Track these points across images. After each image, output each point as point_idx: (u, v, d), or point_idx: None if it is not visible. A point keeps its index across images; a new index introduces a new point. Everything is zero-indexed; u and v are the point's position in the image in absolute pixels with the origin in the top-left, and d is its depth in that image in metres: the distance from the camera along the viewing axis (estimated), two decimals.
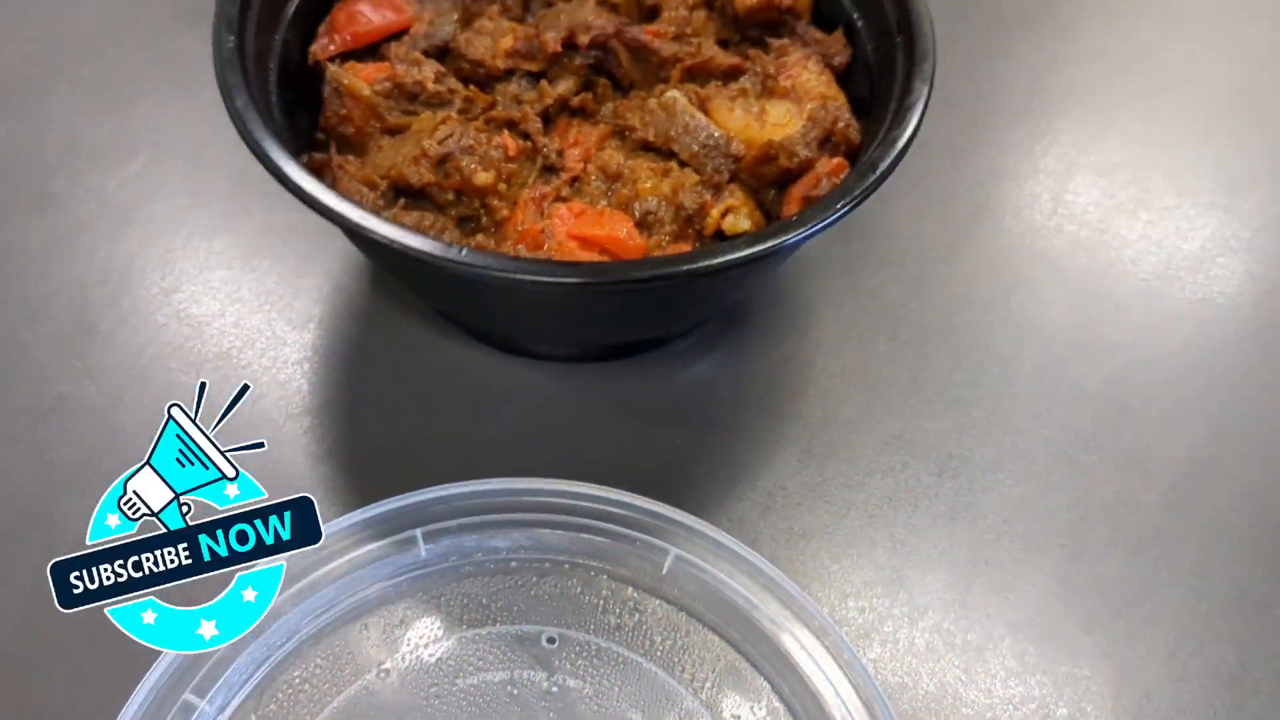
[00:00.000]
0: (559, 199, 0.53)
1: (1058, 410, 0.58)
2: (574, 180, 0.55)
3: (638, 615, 0.50)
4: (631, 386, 0.58)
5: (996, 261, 0.63)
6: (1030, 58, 0.74)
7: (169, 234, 0.61)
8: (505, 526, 0.51)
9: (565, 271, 0.44)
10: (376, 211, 0.50)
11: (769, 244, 0.45)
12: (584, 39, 0.55)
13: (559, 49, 0.55)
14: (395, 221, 0.49)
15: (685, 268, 0.44)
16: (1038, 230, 0.65)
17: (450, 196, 0.51)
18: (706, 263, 0.44)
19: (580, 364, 0.59)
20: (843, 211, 0.46)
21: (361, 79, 0.54)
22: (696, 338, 0.59)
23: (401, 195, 0.52)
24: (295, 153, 0.51)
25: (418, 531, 0.50)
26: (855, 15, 0.57)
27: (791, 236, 0.45)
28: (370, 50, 0.57)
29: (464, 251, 0.43)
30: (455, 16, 0.58)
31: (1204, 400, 0.58)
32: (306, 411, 0.55)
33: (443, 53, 0.57)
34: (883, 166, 0.48)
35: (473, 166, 0.51)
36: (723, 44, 0.59)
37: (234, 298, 0.59)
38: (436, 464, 0.54)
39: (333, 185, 0.51)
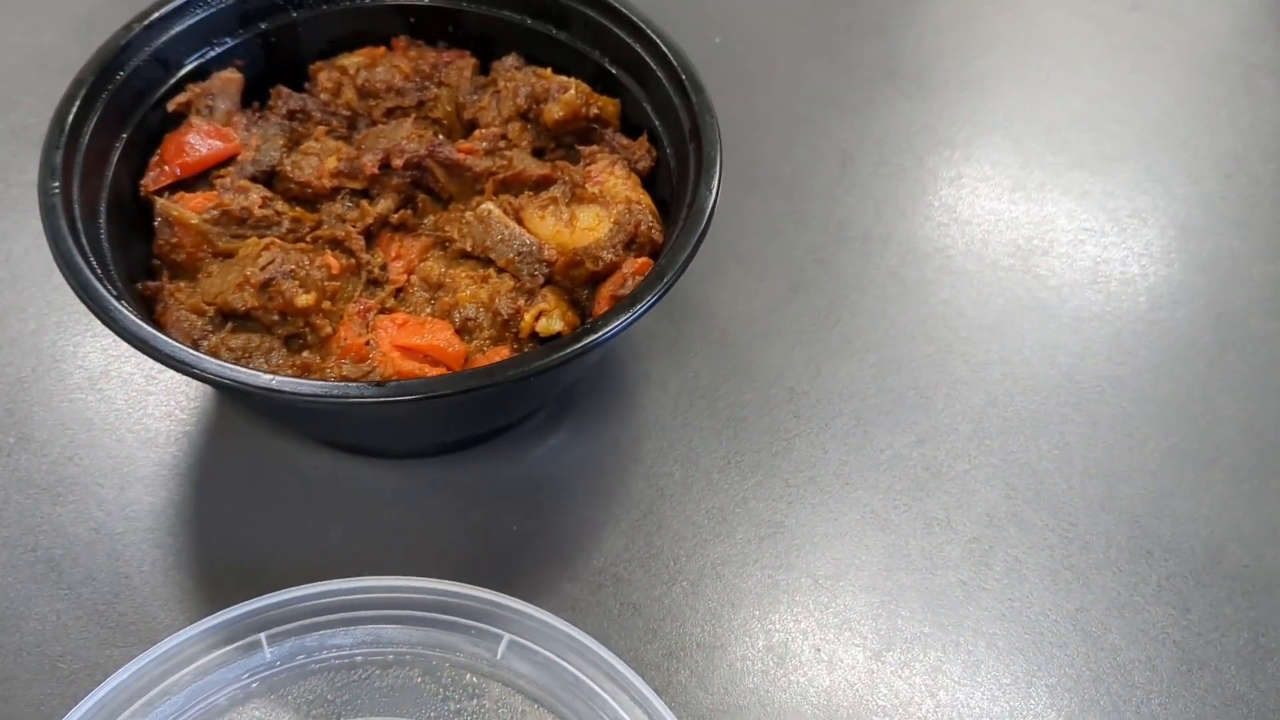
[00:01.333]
0: (384, 310, 0.57)
1: (868, 474, 0.62)
2: (398, 291, 0.58)
3: (477, 700, 0.53)
4: (471, 477, 0.61)
5: (809, 337, 0.68)
6: (855, 132, 0.79)
7: (17, 362, 0.64)
8: (347, 624, 0.54)
9: (374, 392, 0.47)
10: (204, 339, 0.54)
11: (570, 350, 0.49)
12: (398, 161, 0.59)
13: (376, 171, 0.59)
14: (224, 348, 0.53)
15: (494, 379, 0.48)
16: (844, 304, 0.69)
17: (275, 318, 0.55)
18: (514, 371, 0.48)
19: (420, 459, 0.62)
20: (641, 312, 0.50)
21: (190, 208, 0.58)
22: (533, 425, 0.63)
23: (229, 319, 0.55)
24: (129, 282, 0.54)
25: (262, 635, 0.53)
26: (656, 122, 0.62)
27: (594, 339, 0.49)
28: (200, 178, 0.60)
29: (273, 381, 0.46)
30: (281, 141, 0.61)
31: (1005, 458, 0.63)
32: (157, 525, 0.58)
33: (270, 176, 0.61)
34: (675, 268, 0.52)
35: (294, 289, 0.54)
36: (538, 152, 0.63)
37: (82, 420, 0.61)
38: (282, 568, 0.57)
39: (162, 314, 0.55)
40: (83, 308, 0.60)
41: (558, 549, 0.59)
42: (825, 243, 0.73)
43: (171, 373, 0.61)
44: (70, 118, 0.55)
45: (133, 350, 0.61)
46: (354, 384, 0.47)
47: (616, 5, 0.62)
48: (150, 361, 0.61)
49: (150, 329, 0.48)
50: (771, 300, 0.69)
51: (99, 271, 0.50)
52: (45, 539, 0.57)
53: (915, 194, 0.76)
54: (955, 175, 0.77)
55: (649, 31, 0.61)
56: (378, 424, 0.56)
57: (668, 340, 0.67)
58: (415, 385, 0.48)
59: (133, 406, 0.62)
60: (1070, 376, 0.67)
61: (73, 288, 0.49)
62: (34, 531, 0.58)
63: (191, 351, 0.47)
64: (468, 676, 0.54)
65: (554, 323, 0.56)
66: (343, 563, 0.58)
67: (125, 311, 0.48)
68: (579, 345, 0.49)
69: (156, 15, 0.60)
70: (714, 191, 0.55)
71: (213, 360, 0.47)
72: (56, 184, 0.52)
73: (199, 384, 0.61)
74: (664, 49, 0.61)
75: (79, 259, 0.50)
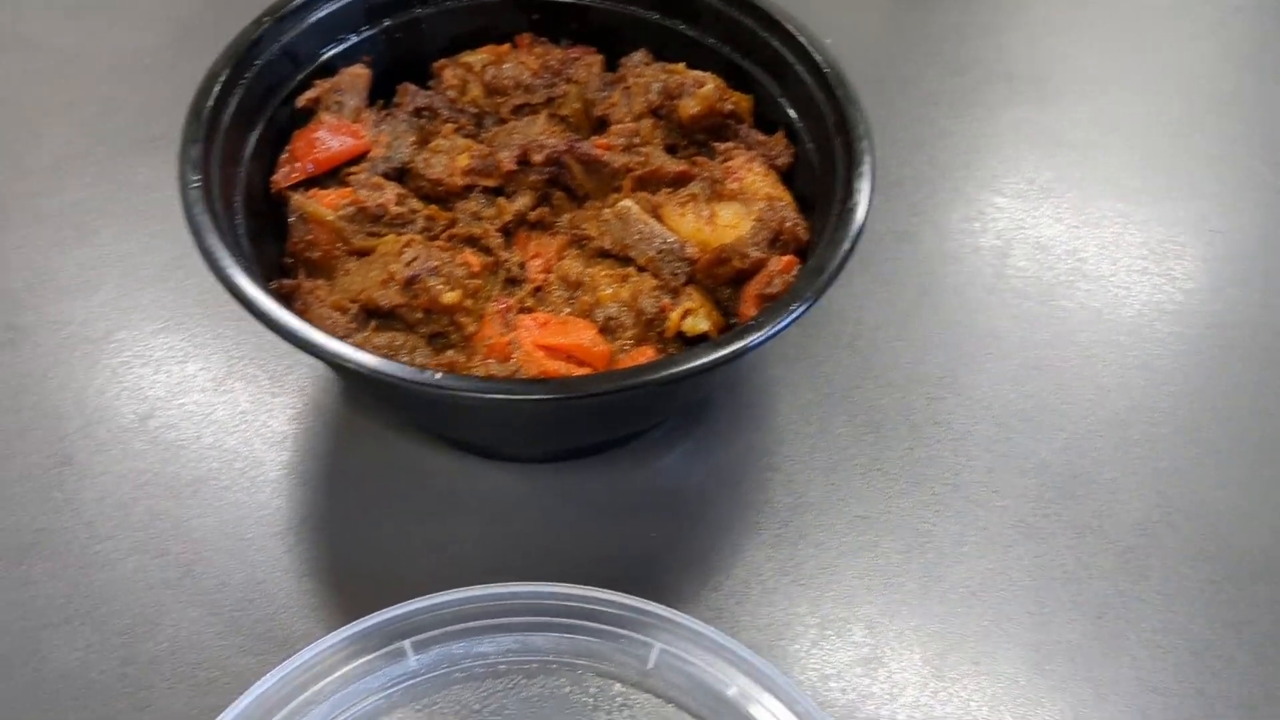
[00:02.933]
0: (523, 309, 0.55)
1: (1014, 481, 0.60)
2: (537, 290, 0.57)
3: (626, 711, 0.51)
4: (601, 484, 0.59)
5: (944, 339, 0.66)
6: (962, 138, 0.77)
7: (140, 361, 0.62)
8: (491, 631, 0.52)
9: (535, 389, 0.46)
10: (349, 336, 0.52)
11: (731, 349, 0.47)
12: (538, 157, 0.57)
13: (514, 167, 0.57)
14: (369, 346, 0.51)
15: (650, 377, 0.46)
16: (980, 306, 0.67)
17: (419, 316, 0.53)
18: (671, 371, 0.46)
19: (549, 464, 0.60)
20: (798, 313, 0.48)
21: (325, 205, 0.56)
22: (661, 433, 0.61)
23: (372, 317, 0.54)
24: (264, 280, 0.53)
25: (407, 642, 0.51)
26: (795, 116, 0.60)
27: (752, 341, 0.47)
28: (331, 175, 0.59)
29: (437, 376, 0.45)
30: (412, 138, 0.60)
31: (1152, 463, 0.61)
32: (288, 530, 0.56)
33: (401, 173, 0.59)
34: (831, 267, 0.50)
35: (439, 286, 0.52)
36: (670, 149, 0.61)
37: (209, 420, 0.60)
38: (417, 573, 0.56)
39: (303, 312, 0.53)
40: (201, 308, 0.59)
41: (699, 557, 0.57)
42: (952, 246, 0.71)
43: (296, 374, 0.60)
44: (206, 111, 0.54)
45: (256, 351, 0.61)
46: (530, 381, 0.45)
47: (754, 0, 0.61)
48: (275, 362, 0.61)
49: (310, 326, 0.46)
50: (902, 305, 0.67)
51: (244, 264, 0.49)
52: (175, 543, 0.56)
53: (1041, 196, 0.74)
54: (1080, 177, 0.75)
55: (787, 25, 0.60)
56: (527, 424, 0.55)
57: (795, 344, 0.65)
58: (575, 383, 0.46)
59: (259, 408, 0.61)
60: (1212, 381, 0.64)
61: (225, 284, 0.47)
62: (164, 536, 0.56)
63: (353, 343, 0.45)
64: (616, 686, 0.52)
65: (700, 322, 0.54)
66: (478, 569, 0.56)
67: (279, 307, 0.47)
68: (746, 342, 0.47)
69: (287, 9, 0.59)
70: (868, 186, 0.53)
71: (374, 357, 0.45)
72: (198, 178, 0.51)
73: (322, 385, 0.60)
74: (804, 43, 0.59)
75: (226, 254, 0.48)
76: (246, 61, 0.57)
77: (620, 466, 0.60)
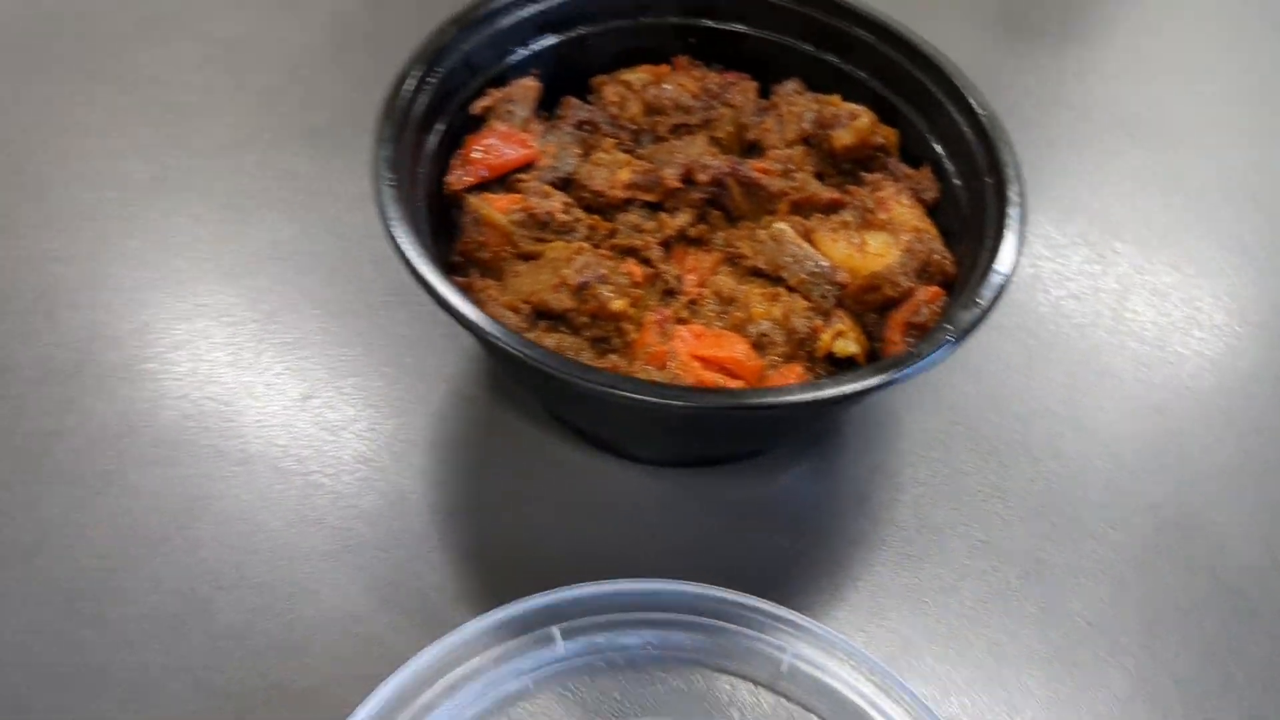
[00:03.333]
0: (679, 321, 0.58)
1: (1130, 518, 0.62)
2: (691, 302, 0.59)
3: (758, 711, 0.54)
4: (733, 491, 0.62)
5: (1065, 375, 0.68)
6: (1083, 181, 0.79)
7: (302, 344, 0.66)
8: (635, 625, 0.55)
9: (715, 399, 0.48)
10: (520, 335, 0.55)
11: (894, 374, 0.49)
12: (702, 176, 0.60)
13: (678, 184, 0.60)
14: (540, 344, 0.54)
15: (820, 394, 0.49)
16: (1101, 346, 0.70)
17: (586, 320, 0.56)
18: (833, 392, 0.49)
19: (683, 469, 0.63)
20: (955, 345, 0.51)
21: (497, 209, 0.59)
22: (789, 447, 0.64)
23: (541, 319, 0.57)
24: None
25: (556, 629, 0.54)
26: (942, 153, 0.63)
27: (911, 368, 0.50)
28: (498, 180, 0.62)
29: (616, 377, 0.48)
30: (576, 150, 0.63)
31: (1262, 510, 0.63)
32: (439, 515, 0.59)
33: (566, 183, 0.62)
34: (985, 303, 0.52)
35: (608, 294, 0.55)
36: (817, 176, 0.64)
37: (366, 404, 0.63)
38: (558, 564, 0.58)
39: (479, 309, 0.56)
40: (361, 296, 0.63)
41: (827, 570, 0.59)
42: (1074, 286, 0.73)
43: (449, 367, 0.63)
44: (398, 111, 0.57)
45: (410, 343, 0.64)
46: (709, 391, 0.48)
47: (906, 36, 0.64)
48: (429, 356, 0.64)
49: (497, 324, 0.49)
50: (1026, 339, 0.70)
51: (437, 267, 0.52)
52: (333, 515, 0.59)
53: (1159, 243, 0.76)
54: (1198, 226, 0.77)
55: (943, 65, 0.62)
56: (682, 429, 0.57)
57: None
58: (754, 396, 0.48)
59: (413, 395, 0.64)
60: None
61: (420, 282, 0.51)
62: (323, 510, 0.59)
63: (550, 351, 0.48)
64: (749, 687, 0.54)
65: (850, 344, 0.57)
66: (616, 564, 0.59)
67: (471, 305, 0.50)
68: (906, 369, 0.50)
69: (470, 18, 0.62)
70: (1019, 227, 0.55)
71: (558, 356, 0.48)
72: (392, 176, 0.54)
73: (471, 377, 0.63)
74: (956, 83, 0.62)
75: (421, 254, 0.51)
76: (433, 66, 0.60)
77: (750, 476, 0.63)
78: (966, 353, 0.68)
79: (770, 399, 0.48)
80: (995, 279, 0.53)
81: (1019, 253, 0.54)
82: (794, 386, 0.49)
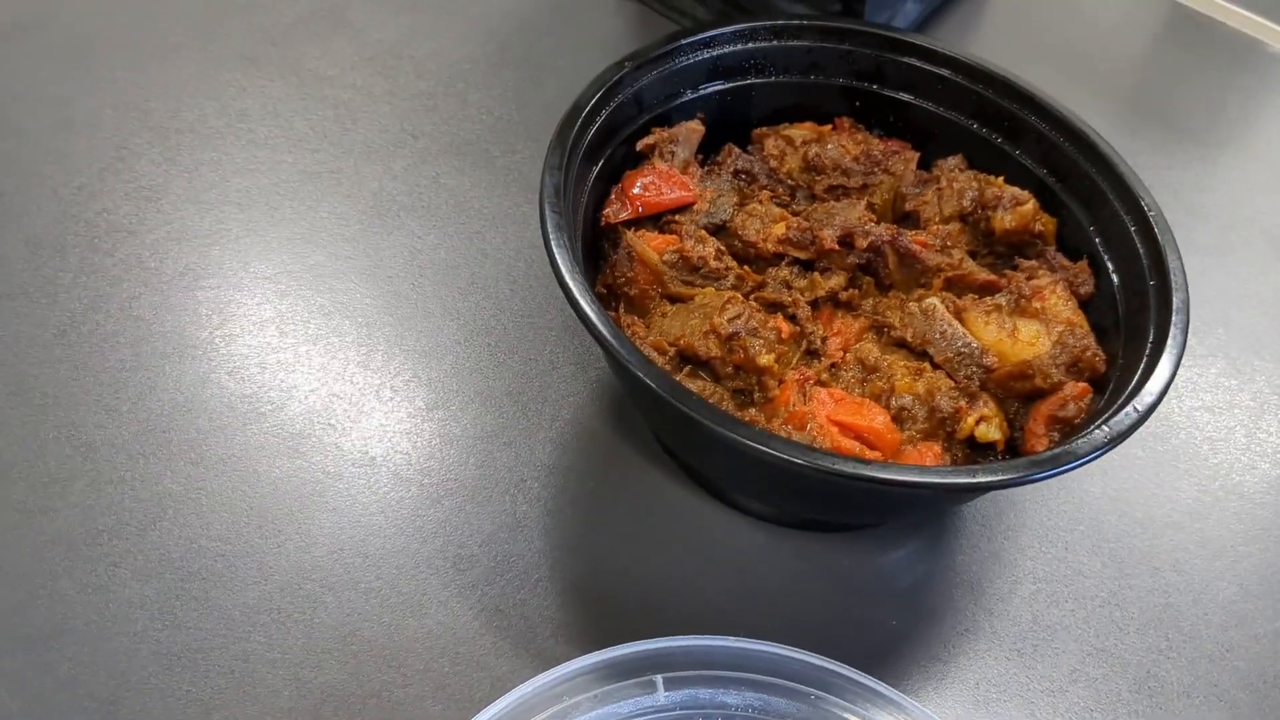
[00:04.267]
0: (819, 383, 0.58)
1: (1249, 644, 0.61)
2: (832, 366, 0.59)
3: None
4: (847, 559, 0.61)
5: (1194, 488, 0.66)
6: (1228, 292, 0.78)
7: (432, 359, 0.66)
8: (738, 685, 0.54)
9: (860, 469, 0.47)
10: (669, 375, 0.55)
11: (1045, 471, 0.48)
12: (861, 241, 0.60)
13: (835, 246, 0.60)
14: (686, 389, 0.54)
15: (971, 479, 0.48)
16: (1233, 464, 0.68)
17: (730, 370, 0.55)
18: (985, 479, 0.48)
19: (797, 530, 0.62)
20: (1103, 451, 0.50)
21: (653, 248, 0.59)
22: (914, 519, 0.63)
23: (686, 363, 0.56)
24: None
25: (659, 677, 0.53)
26: (1103, 249, 0.62)
27: (1065, 467, 0.49)
28: (652, 218, 0.62)
29: (765, 435, 0.47)
30: (733, 199, 0.63)
31: None
32: (552, 548, 0.59)
33: (719, 229, 0.62)
34: (1141, 414, 0.51)
35: (757, 347, 0.55)
36: (970, 255, 0.63)
37: (492, 422, 0.63)
38: (666, 611, 0.58)
39: None
40: (496, 316, 0.63)
41: (935, 654, 0.58)
42: (1208, 398, 0.71)
43: (573, 400, 0.63)
44: (570, 141, 0.57)
45: (540, 372, 0.64)
46: (855, 460, 0.47)
47: (1077, 126, 0.63)
48: (557, 386, 0.64)
49: (652, 365, 0.49)
50: (1157, 445, 0.68)
51: (594, 300, 0.52)
52: (444, 534, 0.59)
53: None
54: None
55: (1109, 158, 0.62)
56: (808, 491, 0.56)
57: None
58: (897, 472, 0.48)
59: (537, 427, 0.64)
60: None
61: (577, 311, 0.50)
62: (434, 525, 0.59)
63: (702, 398, 0.48)
64: None
65: (993, 430, 0.56)
66: (723, 617, 0.58)
67: (625, 342, 0.49)
68: (1065, 466, 0.49)
69: (647, 57, 0.62)
70: (1182, 337, 0.54)
71: (712, 406, 0.48)
72: (557, 203, 0.54)
73: (594, 412, 0.63)
74: (1125, 179, 0.61)
75: (581, 284, 0.51)
76: (605, 99, 0.60)
77: (864, 546, 0.62)
78: None
79: (906, 476, 0.47)
80: (1154, 386, 0.52)
81: (1179, 362, 0.53)
82: (930, 469, 0.48)
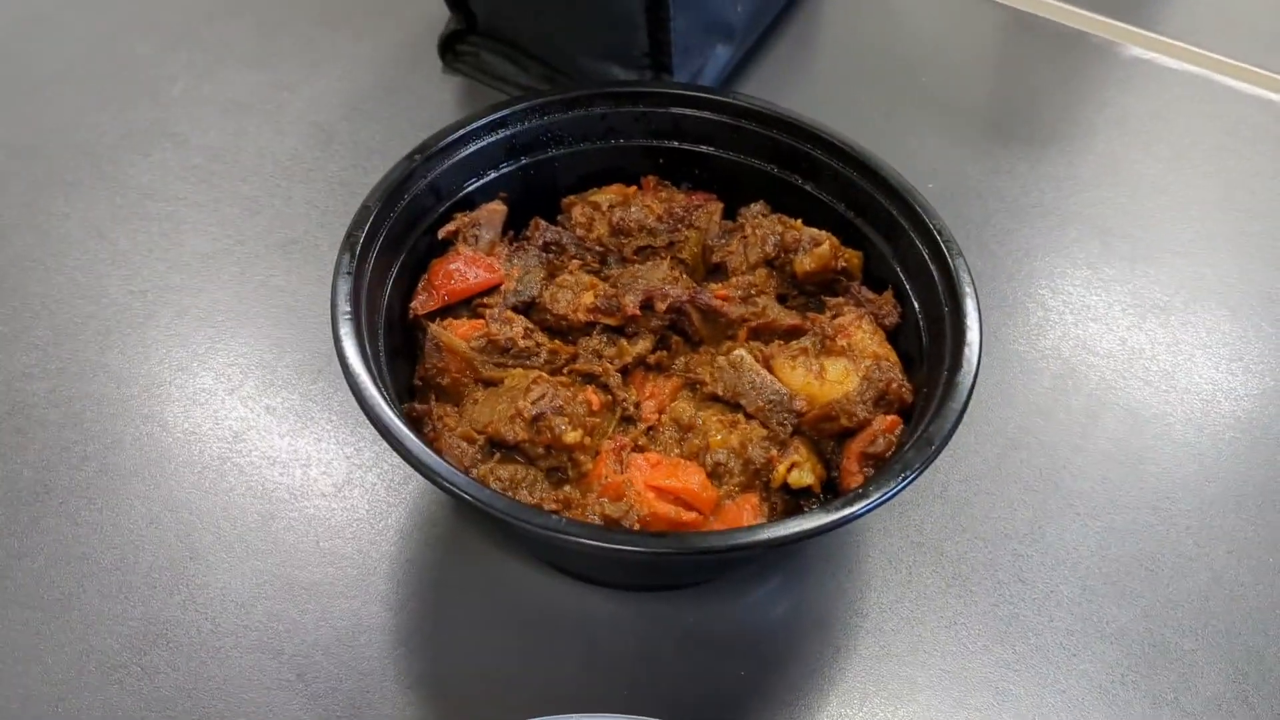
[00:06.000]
0: (636, 448, 0.58)
1: (1094, 646, 0.62)
2: (649, 429, 0.60)
3: None
4: (693, 615, 0.62)
5: (1032, 496, 0.68)
6: (1058, 293, 0.79)
7: (268, 462, 0.66)
8: None
9: (652, 543, 0.48)
10: (475, 467, 0.55)
11: (840, 516, 0.49)
12: (660, 304, 0.61)
13: (637, 311, 0.61)
14: (492, 478, 0.55)
15: (760, 538, 0.49)
16: (1068, 465, 0.69)
17: (541, 451, 0.56)
18: (780, 534, 0.49)
19: (644, 593, 0.63)
20: (906, 483, 0.51)
21: (459, 336, 0.60)
22: (752, 568, 0.64)
23: (496, 449, 0.57)
24: (398, 403, 0.56)
25: None
26: (904, 277, 0.63)
27: (860, 509, 0.50)
28: (463, 303, 0.63)
29: (564, 522, 0.48)
30: (541, 273, 0.64)
31: (1231, 638, 0.62)
32: (397, 641, 0.59)
33: (529, 306, 0.63)
34: (939, 439, 0.52)
35: (563, 426, 0.56)
36: (781, 299, 0.65)
37: (327, 525, 0.63)
38: (517, 691, 0.58)
39: (434, 439, 0.56)
40: (328, 414, 0.63)
41: (787, 699, 0.59)
42: (1045, 400, 0.73)
43: (411, 485, 0.63)
44: (359, 243, 0.57)
45: (375, 460, 0.65)
46: (645, 535, 0.48)
47: (870, 163, 0.64)
48: (393, 473, 0.64)
49: (446, 464, 0.49)
50: (991, 456, 0.70)
51: (386, 397, 0.52)
52: (290, 645, 0.59)
53: (1131, 358, 0.76)
54: (1172, 341, 0.77)
55: (903, 191, 0.63)
56: (632, 566, 0.57)
57: None
58: (701, 541, 0.48)
59: (375, 516, 0.64)
60: None
61: (370, 416, 0.51)
62: (280, 637, 0.59)
63: (498, 494, 0.49)
64: None
65: (806, 475, 0.57)
66: (575, 691, 0.59)
67: (422, 446, 0.50)
68: (848, 512, 0.50)
69: (436, 147, 0.63)
70: (977, 357, 0.56)
71: (506, 499, 0.49)
72: (349, 309, 0.55)
73: (433, 498, 0.64)
74: (919, 210, 0.62)
75: (374, 387, 0.52)
76: (396, 196, 0.61)
77: (711, 599, 0.62)
78: (932, 472, 0.67)
79: (708, 543, 0.48)
80: (948, 416, 0.53)
81: (972, 389, 0.54)
82: (732, 531, 0.49)
